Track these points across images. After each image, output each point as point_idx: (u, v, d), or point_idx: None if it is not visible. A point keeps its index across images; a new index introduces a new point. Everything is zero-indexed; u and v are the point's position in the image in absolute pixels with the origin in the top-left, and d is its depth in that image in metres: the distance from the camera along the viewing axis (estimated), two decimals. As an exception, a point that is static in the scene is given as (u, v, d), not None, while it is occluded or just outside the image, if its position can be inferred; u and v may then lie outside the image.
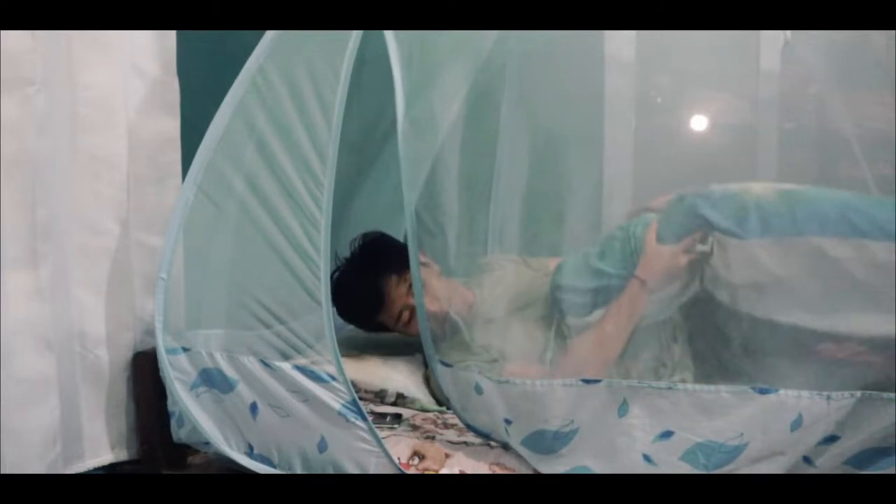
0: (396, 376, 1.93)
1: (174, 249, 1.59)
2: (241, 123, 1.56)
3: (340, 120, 1.45)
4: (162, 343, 1.58)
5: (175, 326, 1.60)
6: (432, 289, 1.82)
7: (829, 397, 1.31)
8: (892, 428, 1.30)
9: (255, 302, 1.54)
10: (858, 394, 1.31)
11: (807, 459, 1.34)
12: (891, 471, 1.29)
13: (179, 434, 1.62)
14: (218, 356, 1.55)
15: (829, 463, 1.33)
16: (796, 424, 1.33)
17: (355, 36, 1.44)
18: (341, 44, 1.45)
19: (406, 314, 1.90)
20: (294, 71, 1.50)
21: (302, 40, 1.51)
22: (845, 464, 1.33)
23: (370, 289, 1.89)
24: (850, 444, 1.32)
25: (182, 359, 1.58)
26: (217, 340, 1.58)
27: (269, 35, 1.54)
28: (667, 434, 1.39)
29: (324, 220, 1.46)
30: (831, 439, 1.33)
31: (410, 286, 1.84)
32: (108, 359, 1.67)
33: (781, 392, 1.34)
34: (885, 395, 1.31)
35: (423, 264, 1.95)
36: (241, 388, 1.54)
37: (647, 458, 1.40)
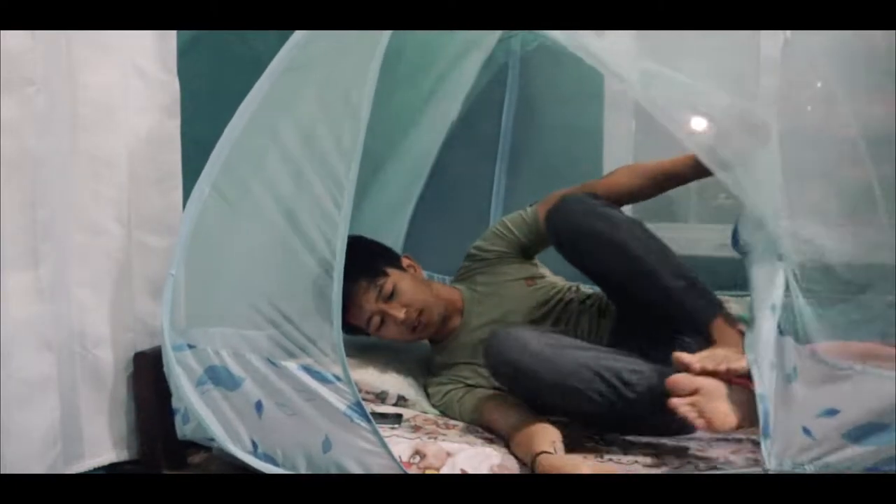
0: (398, 379, 1.93)
1: (185, 246, 1.59)
2: (261, 123, 1.55)
3: (366, 121, 1.44)
4: (168, 339, 1.58)
5: (181, 323, 1.60)
6: (405, 293, 1.85)
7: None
8: (891, 403, 1.30)
9: (265, 301, 1.54)
10: (859, 367, 1.32)
11: (806, 431, 1.34)
12: (888, 446, 1.29)
13: (184, 431, 1.62)
14: (224, 354, 1.55)
15: (827, 436, 1.33)
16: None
17: (385, 36, 1.43)
18: (370, 45, 1.43)
19: (377, 319, 1.87)
20: (318, 72, 1.49)
21: (327, 42, 1.51)
22: (844, 437, 1.33)
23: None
24: (849, 418, 1.32)
25: (188, 355, 1.58)
26: (223, 338, 1.58)
27: (295, 37, 1.54)
28: None
29: (342, 223, 1.44)
30: (831, 412, 1.33)
31: (381, 292, 1.84)
32: (108, 359, 1.66)
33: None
34: (885, 373, 1.31)
35: (409, 266, 1.96)
36: (247, 385, 1.53)
37: None
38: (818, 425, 1.32)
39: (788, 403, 1.34)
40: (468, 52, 2.37)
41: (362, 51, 1.45)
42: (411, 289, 1.87)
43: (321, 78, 1.50)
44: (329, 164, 1.47)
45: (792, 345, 1.37)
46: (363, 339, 2.07)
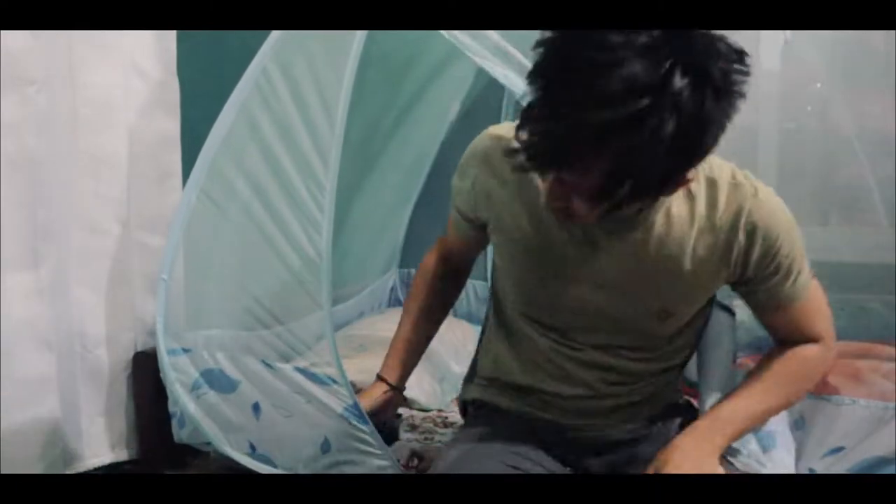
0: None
1: (176, 251, 1.59)
2: (243, 126, 1.55)
3: (343, 122, 1.44)
4: (163, 344, 1.58)
5: (176, 327, 1.60)
6: None
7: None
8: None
9: (257, 303, 1.54)
10: (863, 402, 1.32)
11: (811, 471, 1.34)
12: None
13: (181, 435, 1.62)
14: (220, 357, 1.55)
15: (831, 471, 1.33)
16: None
17: (359, 37, 1.43)
18: (345, 45, 1.43)
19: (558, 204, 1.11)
20: (297, 72, 1.49)
21: (305, 41, 1.50)
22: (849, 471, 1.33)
23: None
24: (856, 455, 1.32)
25: (183, 360, 1.58)
26: (218, 341, 1.58)
27: (273, 36, 1.53)
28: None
29: (325, 222, 1.44)
30: (837, 450, 1.32)
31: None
32: (108, 359, 1.67)
33: None
34: (889, 404, 1.31)
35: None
36: (244, 388, 1.53)
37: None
38: (823, 464, 1.31)
39: (797, 451, 1.32)
40: (457, 53, 2.36)
41: (339, 51, 1.44)
42: None
43: (299, 76, 1.49)
44: (308, 162, 1.47)
45: None
46: (359, 335, 2.06)
